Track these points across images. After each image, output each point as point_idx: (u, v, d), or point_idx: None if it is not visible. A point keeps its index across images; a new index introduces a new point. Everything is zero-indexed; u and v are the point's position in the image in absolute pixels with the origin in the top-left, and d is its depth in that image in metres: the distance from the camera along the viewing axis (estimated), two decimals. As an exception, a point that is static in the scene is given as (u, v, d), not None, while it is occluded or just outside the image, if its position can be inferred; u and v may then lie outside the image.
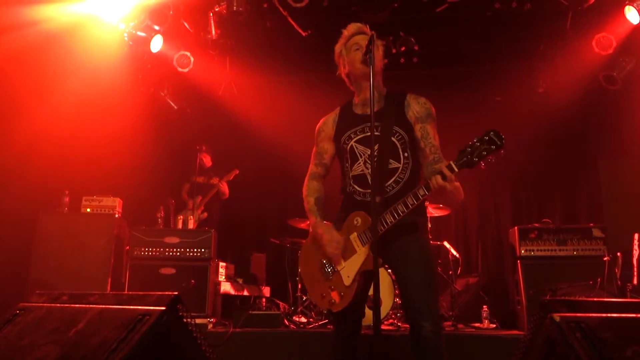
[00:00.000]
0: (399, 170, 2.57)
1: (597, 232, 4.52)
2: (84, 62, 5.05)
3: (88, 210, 4.84)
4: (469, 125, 6.09)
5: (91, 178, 5.26)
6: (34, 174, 4.99)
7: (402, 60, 5.68)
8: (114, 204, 4.86)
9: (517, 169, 6.31)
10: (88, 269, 4.52)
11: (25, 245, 4.58)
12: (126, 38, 5.22)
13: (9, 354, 2.00)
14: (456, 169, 2.29)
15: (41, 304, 2.26)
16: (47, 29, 4.71)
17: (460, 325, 4.63)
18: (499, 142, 2.25)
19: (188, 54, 5.62)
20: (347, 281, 2.49)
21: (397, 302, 4.65)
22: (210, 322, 4.32)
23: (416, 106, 2.63)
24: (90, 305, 2.09)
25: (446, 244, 5.31)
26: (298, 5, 4.98)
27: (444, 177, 2.28)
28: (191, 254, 4.67)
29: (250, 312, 4.33)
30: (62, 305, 2.21)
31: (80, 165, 5.25)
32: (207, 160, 6.30)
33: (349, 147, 2.66)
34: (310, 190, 2.76)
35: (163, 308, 1.91)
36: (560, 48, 5.54)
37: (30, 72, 4.89)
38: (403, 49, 5.60)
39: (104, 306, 2.07)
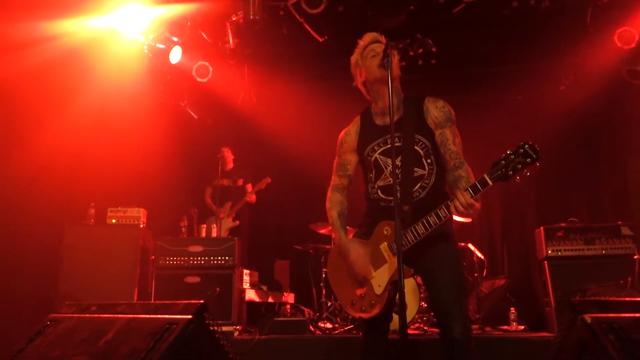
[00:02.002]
0: (424, 177, 2.57)
1: (625, 230, 4.41)
2: (105, 75, 5.14)
3: (113, 221, 4.90)
4: (490, 126, 6.07)
5: (115, 189, 5.34)
6: (59, 187, 5.09)
7: (420, 62, 5.65)
8: (139, 215, 4.91)
9: (542, 168, 6.17)
10: (115, 279, 4.57)
11: (53, 257, 4.66)
12: (146, 50, 5.31)
13: (41, 365, 2.03)
14: (490, 183, 2.27)
15: (71, 315, 2.30)
16: (68, 43, 4.81)
17: (487, 328, 4.57)
18: (534, 155, 2.23)
19: (207, 64, 5.68)
20: (378, 290, 2.49)
21: (422, 306, 4.62)
22: (236, 329, 4.34)
23: (434, 111, 2.62)
24: (119, 315, 2.13)
25: (471, 246, 5.25)
26: (314, 11, 4.99)
27: (464, 202, 2.27)
28: (215, 262, 4.70)
29: (275, 319, 4.33)
30: (91, 315, 2.24)
31: (104, 176, 5.33)
32: (229, 161, 6.34)
33: (373, 159, 2.66)
34: (333, 204, 2.75)
35: (190, 317, 1.93)
36: (581, 44, 5.44)
37: (53, 86, 4.99)
38: (420, 51, 5.57)
39: (132, 316, 2.10)
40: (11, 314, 4.68)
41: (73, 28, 4.82)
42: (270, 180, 6.18)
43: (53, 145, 4.99)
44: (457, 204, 2.28)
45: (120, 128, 5.45)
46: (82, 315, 2.27)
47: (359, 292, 2.55)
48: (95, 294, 4.37)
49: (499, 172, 2.26)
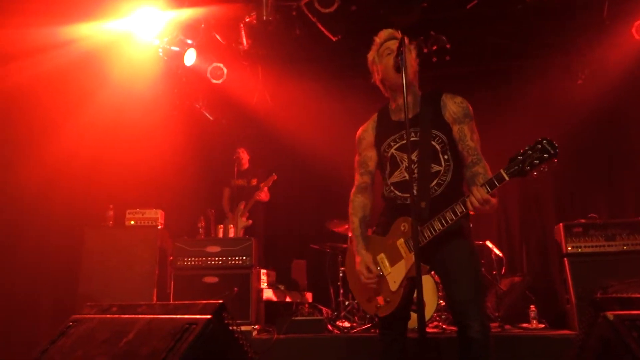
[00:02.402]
0: (441, 173, 2.55)
1: (647, 226, 4.34)
2: (121, 78, 5.21)
3: (132, 222, 4.95)
4: (506, 122, 6.00)
5: (133, 191, 5.40)
6: (78, 189, 5.16)
7: (434, 59, 5.62)
8: (157, 216, 4.96)
9: (559, 163, 6.09)
10: (134, 280, 4.63)
11: (74, 259, 4.74)
12: (161, 53, 5.36)
13: (65, 365, 2.07)
14: (507, 178, 2.25)
15: (92, 316, 2.34)
16: (84, 47, 4.88)
17: (507, 326, 4.53)
18: (552, 151, 2.20)
19: (221, 65, 5.72)
20: (393, 287, 2.48)
21: (440, 304, 4.59)
22: (254, 329, 4.36)
23: (452, 106, 2.59)
24: (139, 316, 2.15)
25: (488, 243, 5.21)
26: (327, 10, 4.99)
27: (480, 198, 2.25)
28: (233, 262, 4.73)
29: (293, 318, 4.34)
30: (112, 316, 2.27)
31: (122, 179, 5.39)
32: (245, 162, 6.37)
33: (389, 154, 2.65)
34: (355, 209, 2.71)
35: (209, 316, 1.95)
36: (597, 37, 5.37)
37: (70, 90, 5.07)
38: (435, 48, 5.54)
39: (152, 316, 2.12)
40: (34, 315, 4.77)
41: (89, 32, 4.88)
42: (276, 177, 6.18)
43: (71, 148, 5.06)
44: (473, 199, 2.26)
45: (137, 131, 5.51)
46: (103, 316, 2.31)
47: (374, 289, 2.54)
48: (115, 295, 4.43)
49: (516, 167, 2.24)
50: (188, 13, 5.17)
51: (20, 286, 4.79)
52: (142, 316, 2.14)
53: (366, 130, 2.81)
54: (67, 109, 5.11)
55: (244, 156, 6.38)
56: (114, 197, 5.13)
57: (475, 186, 2.31)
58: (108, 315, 2.29)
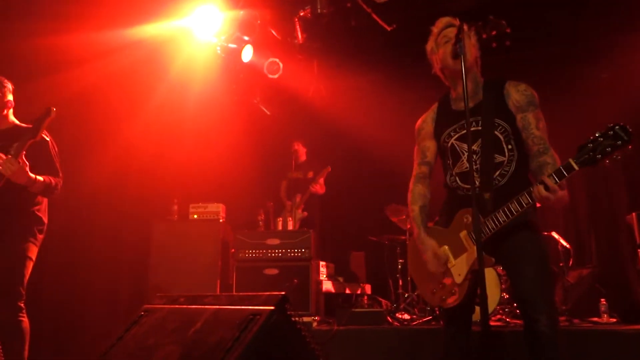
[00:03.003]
0: (504, 163, 2.48)
1: None
2: (181, 77, 5.40)
3: (195, 216, 5.13)
4: (572, 108, 5.74)
5: (196, 186, 5.58)
6: (145, 185, 5.41)
7: (494, 45, 5.42)
8: (218, 210, 5.11)
9: (631, 149, 5.79)
10: (198, 271, 4.80)
11: (144, 252, 4.97)
12: (219, 51, 5.49)
13: (138, 353, 2.19)
14: (576, 167, 2.14)
15: (162, 306, 2.45)
16: (147, 47, 5.08)
17: (575, 320, 4.35)
18: (625, 138, 2.08)
19: (277, 60, 5.78)
20: (458, 279, 2.45)
21: (503, 297, 4.48)
22: (314, 320, 4.41)
23: (516, 95, 2.51)
24: (206, 306, 2.24)
25: (554, 234, 5.02)
26: (381, 0, 4.94)
27: (547, 188, 2.16)
28: (292, 254, 4.80)
29: (353, 309, 4.36)
30: (180, 306, 2.38)
31: (184, 173, 5.59)
32: (302, 154, 6.43)
33: (449, 145, 2.60)
34: (414, 197, 2.69)
35: (272, 308, 2.00)
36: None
37: (134, 88, 5.30)
38: (494, 33, 5.35)
39: (218, 307, 2.20)
40: (113, 304, 5.08)
41: (152, 33, 5.08)
42: (330, 169, 6.19)
43: (136, 146, 5.31)
44: (541, 189, 2.17)
45: (198, 127, 5.69)
46: (172, 306, 2.42)
47: (438, 280, 2.51)
48: (181, 286, 4.61)
49: (586, 155, 2.12)
50: (244, 10, 5.26)
51: (99, 278, 5.11)
52: (209, 307, 2.23)
53: (425, 121, 2.77)
54: (132, 108, 5.35)
55: (301, 149, 6.44)
56: (177, 192, 5.33)
57: (542, 176, 2.22)
58: (177, 306, 2.40)
